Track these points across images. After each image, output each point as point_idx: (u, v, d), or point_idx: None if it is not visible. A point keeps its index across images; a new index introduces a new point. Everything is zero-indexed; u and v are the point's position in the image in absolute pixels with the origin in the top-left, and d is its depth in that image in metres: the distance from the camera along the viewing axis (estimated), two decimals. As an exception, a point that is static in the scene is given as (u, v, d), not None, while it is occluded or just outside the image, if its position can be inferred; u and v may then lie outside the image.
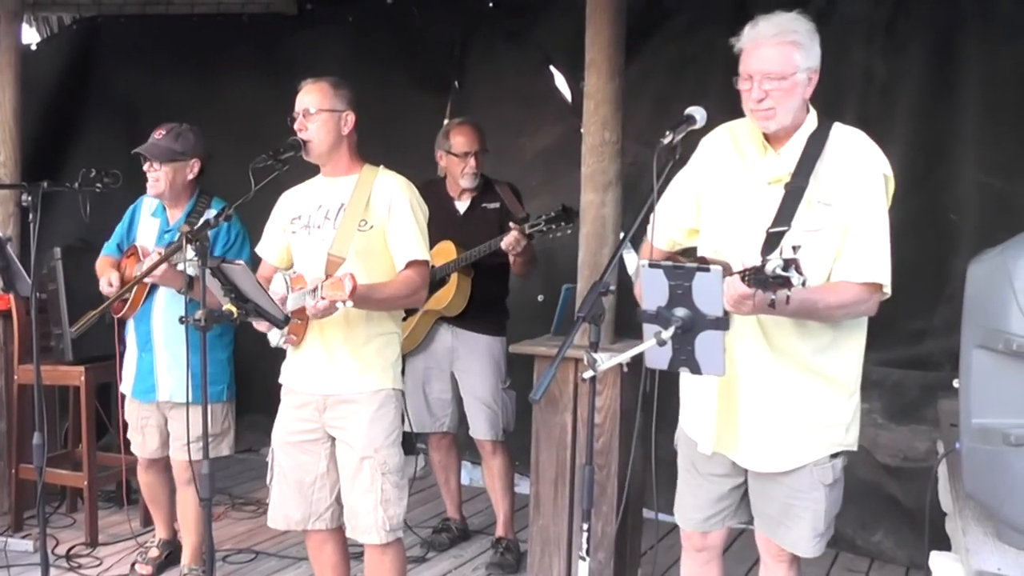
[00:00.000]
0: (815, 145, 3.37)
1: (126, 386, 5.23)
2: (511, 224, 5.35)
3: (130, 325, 5.16)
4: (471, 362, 5.74)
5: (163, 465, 5.31)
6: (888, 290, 3.40)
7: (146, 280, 4.71)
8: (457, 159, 5.64)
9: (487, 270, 5.64)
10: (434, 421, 5.84)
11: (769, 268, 2.74)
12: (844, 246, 3.32)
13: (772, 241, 3.22)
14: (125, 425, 5.39)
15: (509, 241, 5.29)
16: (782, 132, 3.41)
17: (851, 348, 3.50)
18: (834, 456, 3.52)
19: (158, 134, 5.03)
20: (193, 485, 4.97)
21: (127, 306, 5.04)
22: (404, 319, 5.46)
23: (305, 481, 4.35)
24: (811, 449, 3.48)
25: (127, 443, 5.41)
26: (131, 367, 5.19)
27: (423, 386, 5.79)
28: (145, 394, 5.11)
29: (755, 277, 2.83)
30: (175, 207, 5.09)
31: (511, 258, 5.44)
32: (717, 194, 3.51)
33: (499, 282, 5.80)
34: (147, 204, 5.21)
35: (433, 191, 5.67)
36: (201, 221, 4.47)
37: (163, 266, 4.52)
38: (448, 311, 5.65)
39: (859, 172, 3.38)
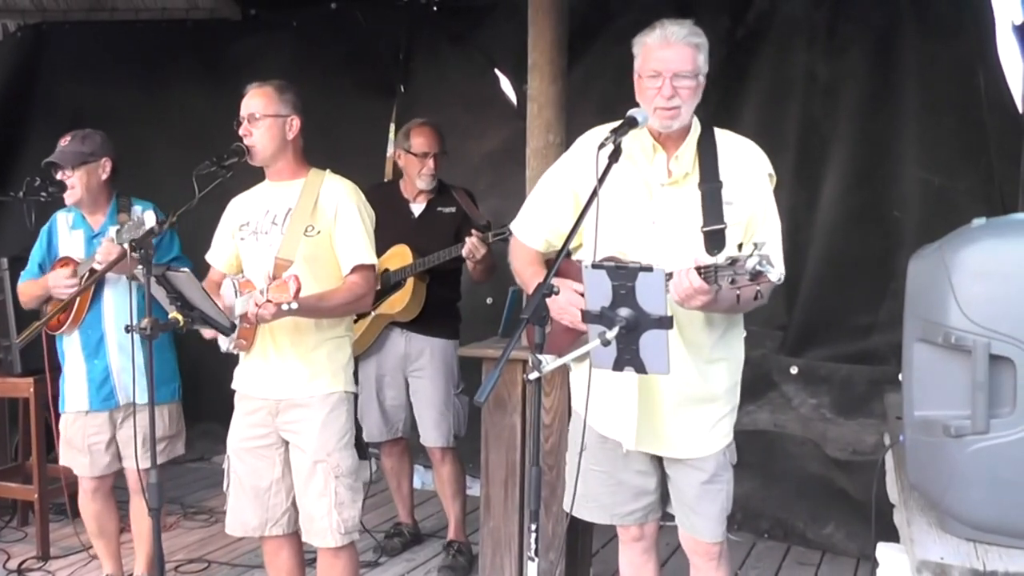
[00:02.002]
0: (708, 148, 3.52)
1: (78, 402, 5.01)
2: (472, 231, 5.33)
3: (71, 338, 5.00)
4: (424, 367, 5.71)
5: (109, 489, 5.16)
6: (781, 279, 3.49)
7: (97, 269, 4.66)
8: (415, 159, 5.61)
9: (441, 274, 5.62)
10: (389, 428, 5.82)
11: (750, 264, 2.84)
12: (748, 242, 3.40)
13: (714, 239, 3.36)
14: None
15: (469, 248, 5.26)
16: (677, 134, 3.51)
17: (739, 335, 3.71)
18: (733, 439, 3.73)
19: (63, 141, 4.92)
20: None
21: (70, 319, 4.90)
22: (355, 321, 5.45)
23: (261, 487, 4.34)
24: (723, 433, 3.67)
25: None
26: (79, 379, 5.00)
27: (377, 394, 5.76)
28: (103, 402, 4.97)
29: (721, 274, 2.93)
30: (95, 212, 4.99)
31: (469, 264, 5.42)
32: (606, 196, 3.52)
33: (452, 286, 5.80)
34: (62, 220, 5.08)
35: (386, 193, 5.67)
36: (146, 228, 4.42)
37: (117, 250, 4.49)
38: (402, 316, 5.62)
39: (751, 172, 3.54)
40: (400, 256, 5.58)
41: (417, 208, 5.71)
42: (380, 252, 5.35)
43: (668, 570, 4.05)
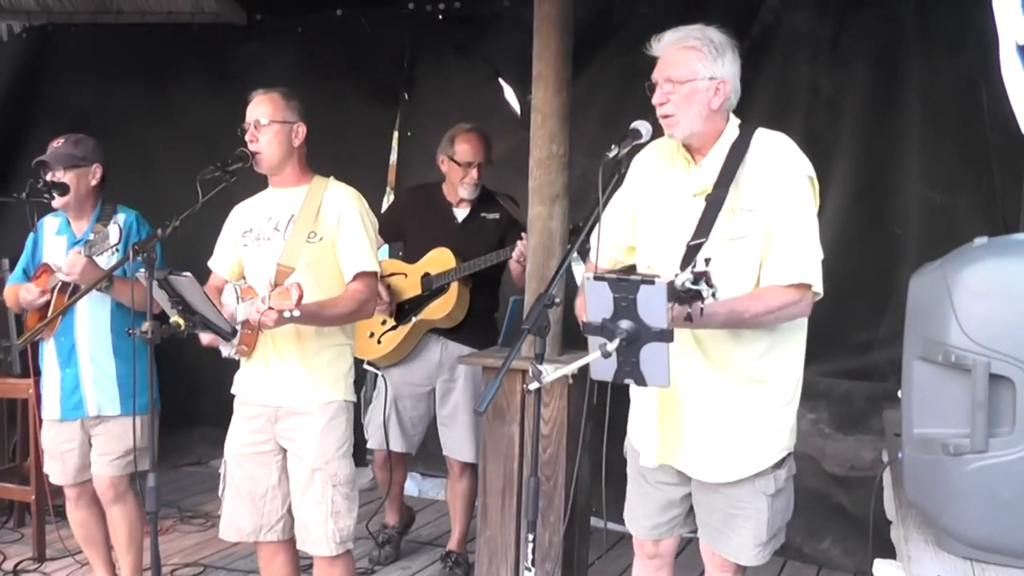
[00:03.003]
0: (736, 154, 3.40)
1: (51, 410, 4.98)
2: (522, 234, 5.17)
3: (48, 345, 4.98)
4: (459, 377, 5.59)
5: (92, 496, 5.09)
6: (819, 289, 3.41)
7: (63, 279, 4.66)
8: (459, 168, 5.50)
9: (483, 281, 5.52)
10: (406, 441, 5.68)
11: (679, 282, 2.80)
12: (769, 250, 3.36)
13: (690, 254, 3.26)
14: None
15: (521, 250, 5.13)
16: (697, 142, 3.46)
17: (790, 352, 3.54)
18: (777, 466, 3.55)
19: (56, 143, 4.89)
20: (120, 504, 4.93)
21: (51, 312, 4.84)
22: (394, 328, 5.39)
23: (257, 492, 4.34)
24: (756, 460, 3.51)
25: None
26: (53, 387, 4.97)
27: (396, 402, 5.64)
28: (73, 411, 4.93)
29: (670, 291, 2.87)
30: (80, 218, 4.95)
31: (516, 267, 5.30)
32: (649, 210, 3.54)
33: (493, 294, 5.70)
34: (49, 225, 5.07)
35: (429, 194, 5.63)
36: (110, 243, 4.41)
37: (82, 262, 4.50)
38: (445, 322, 5.51)
39: (781, 176, 3.40)
40: (441, 260, 5.49)
41: (460, 213, 5.60)
42: (420, 254, 5.33)
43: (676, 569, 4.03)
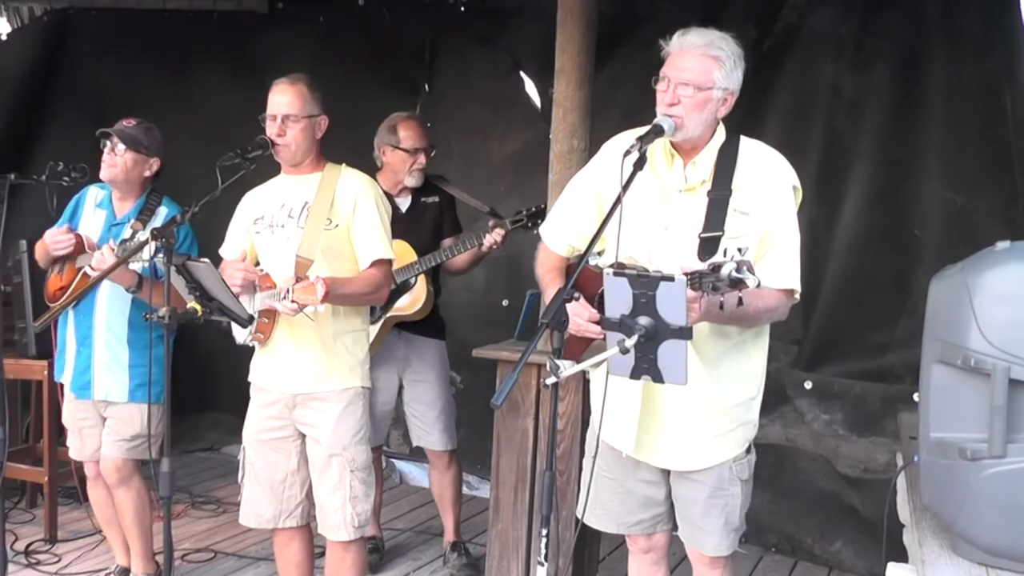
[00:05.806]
0: (728, 157, 3.45)
1: (67, 383, 5.06)
2: (492, 222, 5.22)
3: (69, 316, 5.01)
4: (424, 370, 5.61)
5: None
6: (798, 296, 3.50)
7: (89, 272, 4.69)
8: (406, 155, 5.45)
9: (430, 271, 5.48)
10: (376, 435, 5.52)
11: (725, 271, 2.77)
12: (764, 254, 3.41)
13: (707, 246, 3.31)
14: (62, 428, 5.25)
15: (494, 240, 5.19)
16: (689, 144, 3.46)
17: (758, 348, 3.62)
18: (748, 452, 3.66)
19: (127, 122, 4.96)
20: (125, 487, 4.96)
21: (70, 291, 4.91)
22: None
23: (276, 479, 4.37)
24: (730, 446, 3.60)
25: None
26: (70, 362, 5.04)
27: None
28: (81, 390, 4.98)
29: (705, 280, 2.86)
30: (124, 200, 4.99)
31: (468, 258, 5.35)
32: (625, 200, 3.51)
33: (438, 281, 5.66)
34: (92, 195, 5.11)
35: None
36: (167, 219, 4.43)
37: (111, 262, 4.53)
38: (415, 316, 5.47)
39: (772, 184, 3.46)
40: (401, 255, 5.33)
41: (403, 203, 5.52)
42: None
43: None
